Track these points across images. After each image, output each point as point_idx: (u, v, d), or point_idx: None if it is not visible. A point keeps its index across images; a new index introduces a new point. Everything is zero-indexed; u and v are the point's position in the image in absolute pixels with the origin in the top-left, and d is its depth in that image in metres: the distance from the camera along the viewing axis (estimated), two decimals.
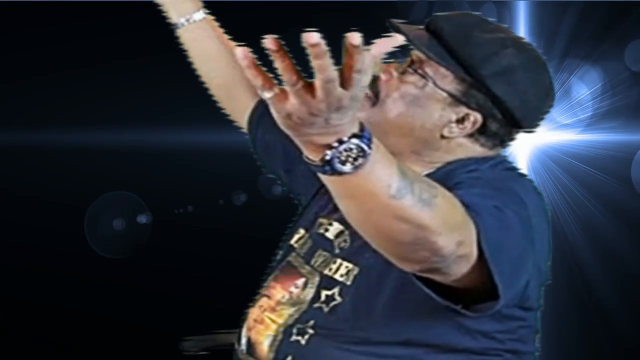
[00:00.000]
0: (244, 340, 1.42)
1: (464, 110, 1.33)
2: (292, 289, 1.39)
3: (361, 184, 0.99)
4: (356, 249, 1.34)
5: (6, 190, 4.08)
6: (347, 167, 0.95)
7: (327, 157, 0.94)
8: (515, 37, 1.37)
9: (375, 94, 1.38)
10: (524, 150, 4.32)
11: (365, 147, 0.94)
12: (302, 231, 1.48)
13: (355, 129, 0.94)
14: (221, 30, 1.68)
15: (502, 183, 1.30)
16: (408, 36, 1.37)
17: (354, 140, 0.92)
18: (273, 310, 1.40)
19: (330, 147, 0.94)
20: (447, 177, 1.35)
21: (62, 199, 4.08)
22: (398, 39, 0.92)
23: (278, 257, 1.50)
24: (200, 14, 1.65)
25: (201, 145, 4.48)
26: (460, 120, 1.34)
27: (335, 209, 1.46)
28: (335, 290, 1.34)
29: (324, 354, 1.31)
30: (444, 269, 1.10)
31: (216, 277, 3.69)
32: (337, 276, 1.36)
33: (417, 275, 1.15)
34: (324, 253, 1.39)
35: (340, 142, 0.93)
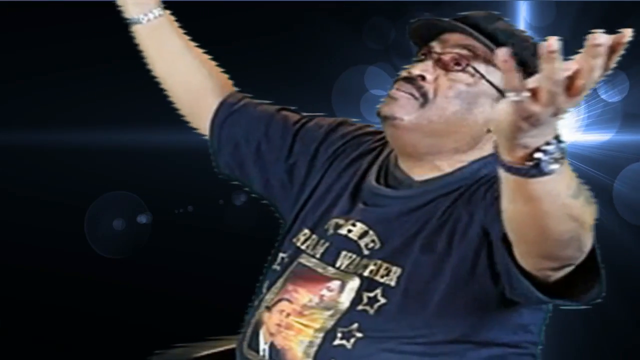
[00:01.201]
0: (263, 347, 1.38)
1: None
2: (324, 292, 1.36)
3: (549, 186, 1.00)
4: (395, 250, 1.33)
5: (6, 190, 4.07)
6: (553, 168, 0.97)
7: (537, 159, 0.96)
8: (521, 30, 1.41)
9: (422, 94, 1.37)
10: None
11: (566, 148, 0.97)
12: (307, 231, 1.45)
13: (556, 130, 0.96)
14: (179, 26, 1.63)
15: None
16: (466, 30, 1.37)
17: (558, 142, 0.95)
18: (300, 314, 1.36)
19: (538, 149, 0.95)
20: (473, 176, 1.36)
21: (62, 199, 4.07)
22: (626, 35, 0.92)
23: (282, 258, 1.46)
24: (159, 10, 1.61)
25: (201, 145, 4.47)
26: None
27: (351, 209, 1.45)
28: (378, 291, 1.32)
29: (372, 357, 1.29)
30: (574, 264, 1.13)
31: (216, 277, 3.68)
32: (377, 277, 1.34)
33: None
34: (350, 254, 1.37)
35: (548, 143, 0.94)
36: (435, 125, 1.36)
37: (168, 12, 1.63)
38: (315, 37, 3.55)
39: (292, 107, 1.67)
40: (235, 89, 1.68)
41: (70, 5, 3.79)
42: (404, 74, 1.40)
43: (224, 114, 1.61)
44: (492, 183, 1.30)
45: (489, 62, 1.36)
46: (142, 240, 4.17)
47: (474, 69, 1.37)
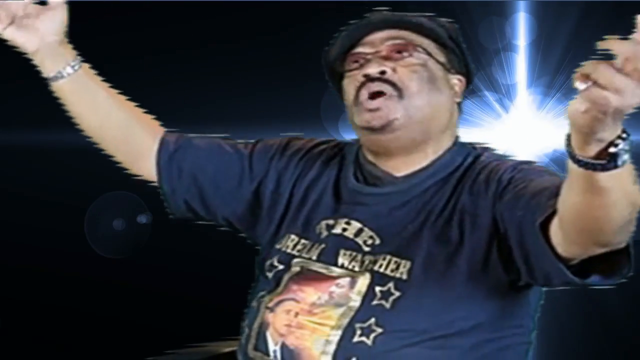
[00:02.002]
0: (274, 348, 1.37)
1: (451, 76, 1.39)
2: (333, 288, 1.36)
3: (619, 177, 1.03)
4: (401, 243, 1.33)
5: (6, 190, 4.07)
6: (625, 159, 0.99)
7: (613, 153, 0.98)
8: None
9: (395, 88, 1.38)
10: (524, 150, 4.32)
11: (631, 139, 0.99)
12: (294, 237, 1.44)
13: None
14: (97, 74, 1.57)
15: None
16: (410, 22, 1.39)
17: (627, 134, 0.97)
18: (310, 313, 1.36)
19: (612, 143, 0.96)
20: (453, 164, 1.38)
21: (62, 199, 4.08)
22: None
23: (272, 265, 1.45)
24: (77, 61, 1.55)
25: None
26: (452, 88, 1.41)
27: (337, 209, 1.45)
28: (390, 285, 1.32)
29: (395, 353, 1.29)
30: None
31: (216, 277, 3.68)
32: (388, 272, 1.34)
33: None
34: (350, 252, 1.37)
35: (620, 137, 0.97)
36: (421, 110, 1.39)
37: (86, 65, 1.57)
38: (316, 37, 3.55)
39: (227, 135, 1.65)
40: (165, 128, 1.65)
41: (70, 5, 3.79)
42: (361, 78, 1.41)
43: (167, 153, 1.58)
44: (490, 172, 1.32)
45: (420, 42, 1.41)
46: (142, 240, 4.17)
47: (422, 48, 1.40)
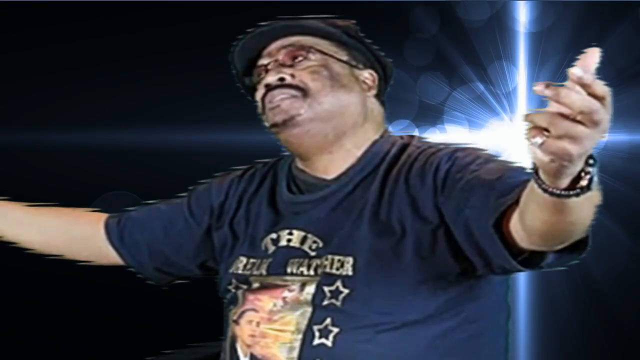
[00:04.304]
0: (244, 359, 1.37)
1: (360, 71, 1.40)
2: (286, 293, 1.37)
3: (587, 198, 1.03)
4: (341, 242, 1.34)
5: (6, 190, 4.07)
6: (594, 183, 1.00)
7: (588, 179, 0.96)
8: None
9: (298, 88, 1.40)
10: (524, 150, 4.32)
11: (598, 161, 0.99)
12: (243, 258, 1.45)
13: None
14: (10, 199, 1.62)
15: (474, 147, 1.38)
16: (309, 28, 1.41)
17: (594, 160, 0.97)
18: (270, 320, 1.37)
19: (583, 171, 0.95)
20: (379, 155, 1.39)
21: (62, 199, 4.07)
22: (595, 52, 0.93)
23: (230, 288, 1.46)
24: None
25: (201, 146, 4.46)
26: (363, 82, 1.42)
27: (277, 222, 1.46)
28: (338, 283, 1.33)
29: (354, 351, 1.29)
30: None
31: (216, 277, 3.68)
32: (333, 270, 1.35)
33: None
34: (298, 259, 1.38)
35: (588, 164, 0.97)
36: (328, 106, 1.40)
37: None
38: None
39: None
40: (99, 214, 1.69)
41: (70, 5, 3.79)
42: (262, 89, 1.44)
43: (116, 235, 1.62)
44: (426, 161, 1.32)
45: (315, 43, 1.42)
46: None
47: (316, 49, 1.42)
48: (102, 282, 3.93)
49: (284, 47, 1.44)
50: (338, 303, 1.32)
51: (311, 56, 1.41)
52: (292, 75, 1.40)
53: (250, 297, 1.41)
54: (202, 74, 3.66)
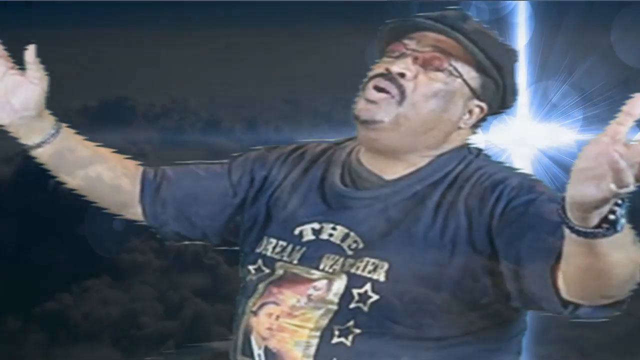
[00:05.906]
0: (258, 352, 1.36)
1: (477, 102, 1.36)
2: (311, 291, 1.34)
3: (618, 239, 1.03)
4: (381, 246, 1.32)
5: (6, 190, 4.08)
6: (623, 223, 1.01)
7: (612, 220, 0.97)
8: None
9: (401, 91, 1.36)
10: (523, 150, 4.33)
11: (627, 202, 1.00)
12: (273, 240, 1.43)
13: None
14: (77, 132, 1.53)
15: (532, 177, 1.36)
16: (444, 30, 1.37)
17: (623, 200, 0.98)
18: (290, 315, 1.35)
19: (611, 211, 0.96)
20: (442, 169, 1.37)
21: (62, 198, 4.07)
22: None
23: (254, 270, 1.44)
24: (56, 125, 1.48)
25: (201, 145, 4.46)
26: (470, 111, 1.37)
27: (322, 212, 1.44)
28: (367, 287, 1.31)
29: (374, 351, 1.28)
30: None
31: (216, 278, 3.69)
32: (365, 273, 1.33)
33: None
34: (334, 256, 1.36)
35: (617, 204, 0.97)
36: (412, 123, 1.36)
37: (64, 125, 1.51)
38: (318, 38, 3.55)
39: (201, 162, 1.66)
40: (142, 167, 1.64)
41: (70, 5, 3.79)
42: (380, 70, 1.39)
43: (150, 192, 1.57)
44: (486, 188, 1.30)
45: (464, 61, 1.37)
46: (141, 240, 4.17)
47: (455, 68, 1.37)
48: (101, 282, 3.94)
49: (436, 45, 1.39)
50: (365, 308, 1.30)
51: (446, 72, 1.37)
52: (415, 77, 1.37)
53: (274, 289, 1.38)
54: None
